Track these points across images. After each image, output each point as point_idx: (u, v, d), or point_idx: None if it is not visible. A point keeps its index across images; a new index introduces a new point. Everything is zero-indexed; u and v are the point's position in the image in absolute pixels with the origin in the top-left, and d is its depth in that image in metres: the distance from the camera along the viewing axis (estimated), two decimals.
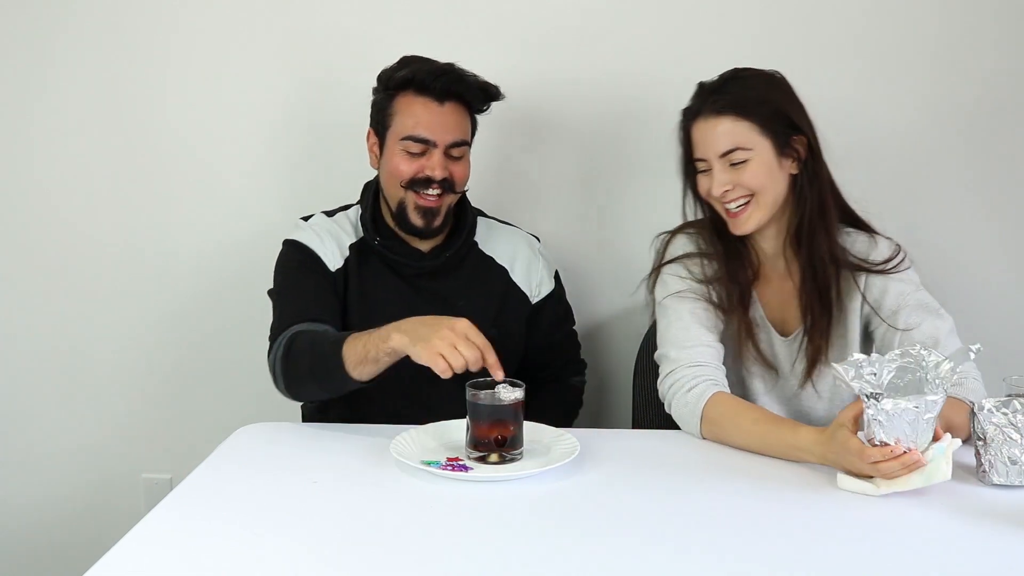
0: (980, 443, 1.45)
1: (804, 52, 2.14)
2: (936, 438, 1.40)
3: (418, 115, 1.82)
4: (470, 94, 1.85)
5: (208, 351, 2.35)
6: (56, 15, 2.23)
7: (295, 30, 2.22)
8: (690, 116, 1.73)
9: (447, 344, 1.50)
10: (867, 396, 1.40)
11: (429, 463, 1.50)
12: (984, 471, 1.45)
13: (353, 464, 1.54)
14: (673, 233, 1.83)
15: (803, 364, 1.77)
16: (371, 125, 1.90)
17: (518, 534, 1.30)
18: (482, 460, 1.51)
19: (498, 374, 1.52)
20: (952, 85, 2.15)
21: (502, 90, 1.88)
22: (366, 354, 1.60)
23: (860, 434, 1.43)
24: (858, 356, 1.44)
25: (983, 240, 2.20)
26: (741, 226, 1.71)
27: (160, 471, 2.38)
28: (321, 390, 1.72)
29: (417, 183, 1.82)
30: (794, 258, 1.77)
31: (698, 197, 1.78)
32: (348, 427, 1.70)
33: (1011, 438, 1.42)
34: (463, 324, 1.53)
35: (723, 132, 1.67)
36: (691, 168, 1.76)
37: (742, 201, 1.70)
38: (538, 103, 2.17)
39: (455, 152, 1.84)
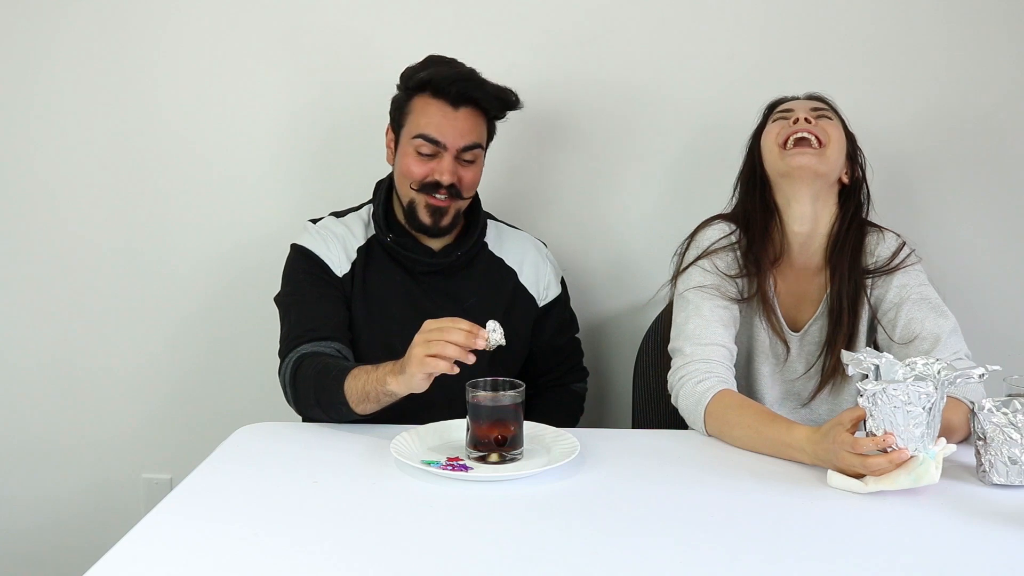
0: (980, 443, 1.45)
1: (811, 57, 2.15)
2: None
3: (431, 116, 1.83)
4: (486, 101, 1.85)
5: (209, 351, 2.35)
6: (58, 12, 2.23)
7: (302, 30, 2.22)
8: (780, 101, 1.88)
9: (425, 343, 1.47)
10: (861, 378, 1.42)
11: (429, 463, 1.50)
12: (984, 471, 1.45)
13: (353, 464, 1.54)
14: (703, 224, 1.86)
15: (816, 377, 1.81)
16: (390, 121, 1.92)
17: (518, 534, 1.30)
18: (482, 460, 1.51)
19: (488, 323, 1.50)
20: (958, 89, 2.16)
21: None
22: (366, 394, 1.61)
23: (857, 435, 1.43)
24: (867, 348, 1.48)
25: (986, 242, 2.20)
26: (799, 157, 1.74)
27: (160, 471, 2.38)
28: (329, 418, 1.71)
29: (426, 187, 1.83)
30: (824, 264, 1.80)
31: (758, 159, 1.82)
32: (348, 427, 1.69)
33: (1011, 438, 1.42)
34: (425, 333, 1.50)
35: (814, 100, 1.85)
36: (760, 129, 1.85)
37: (813, 141, 1.75)
38: (542, 106, 2.17)
39: (467, 156, 1.85)
